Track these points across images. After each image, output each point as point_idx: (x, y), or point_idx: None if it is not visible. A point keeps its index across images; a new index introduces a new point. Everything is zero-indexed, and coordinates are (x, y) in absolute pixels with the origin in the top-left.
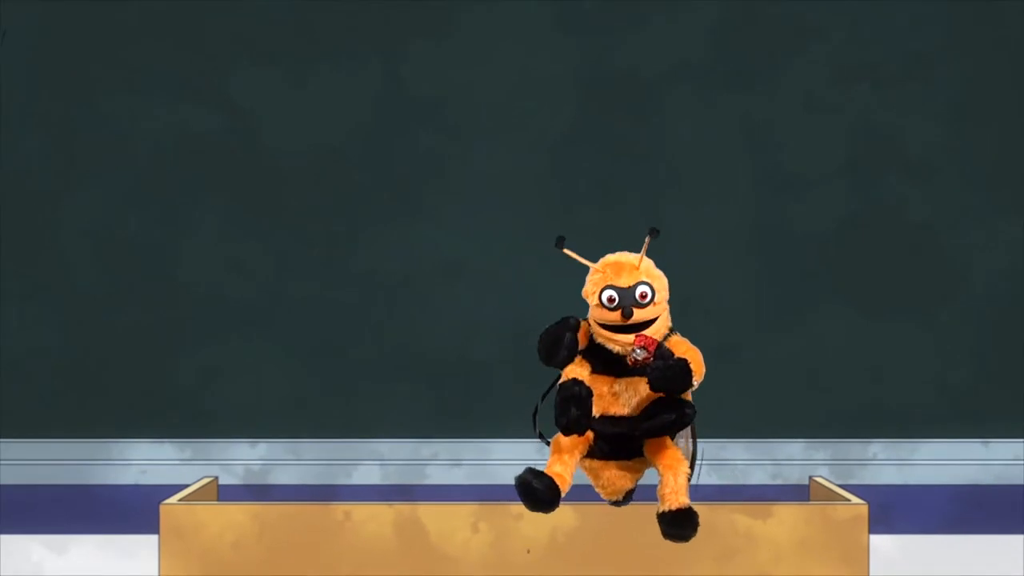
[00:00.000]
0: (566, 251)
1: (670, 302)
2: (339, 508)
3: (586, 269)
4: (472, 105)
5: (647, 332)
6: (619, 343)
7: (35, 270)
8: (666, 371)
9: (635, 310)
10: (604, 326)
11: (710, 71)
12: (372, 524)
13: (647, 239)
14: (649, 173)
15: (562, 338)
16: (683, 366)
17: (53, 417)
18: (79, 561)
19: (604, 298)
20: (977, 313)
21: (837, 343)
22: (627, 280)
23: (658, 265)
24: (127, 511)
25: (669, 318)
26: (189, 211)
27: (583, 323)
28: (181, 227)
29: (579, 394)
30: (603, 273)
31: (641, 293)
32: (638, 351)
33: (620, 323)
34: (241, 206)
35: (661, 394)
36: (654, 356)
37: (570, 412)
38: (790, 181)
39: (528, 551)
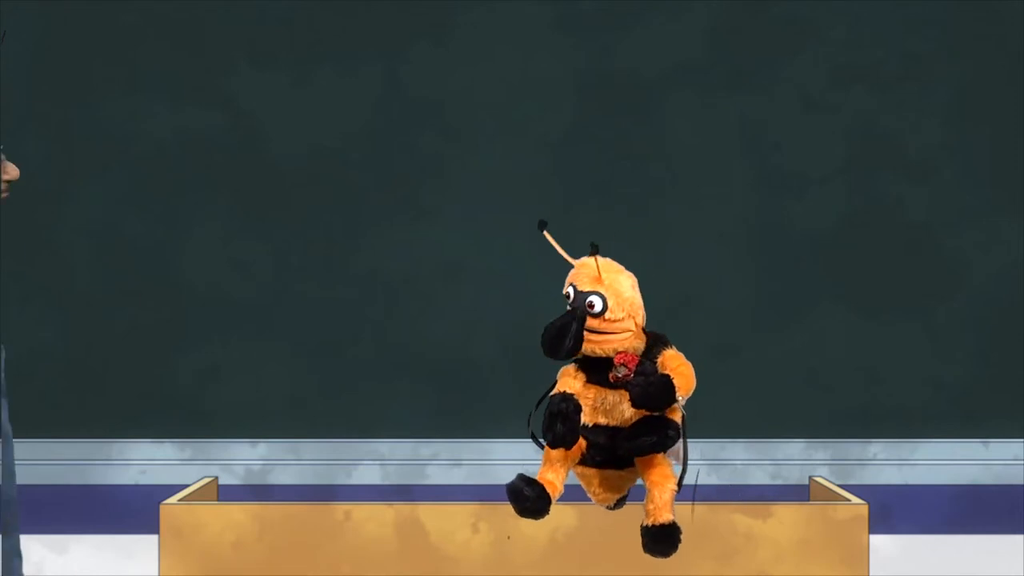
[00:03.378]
0: (546, 234)
1: (667, 303)
2: (339, 508)
3: None
4: (472, 106)
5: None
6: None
7: (35, 270)
8: (647, 388)
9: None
10: None
11: (709, 72)
12: (372, 524)
13: (595, 258)
14: (649, 173)
15: (568, 326)
16: (665, 382)
17: (53, 417)
18: (79, 561)
19: (565, 291)
20: (976, 313)
21: (836, 343)
22: (585, 285)
23: (657, 265)
24: (127, 511)
25: (641, 339)
26: (189, 211)
27: None
28: (181, 227)
29: (566, 410)
30: (575, 270)
31: (589, 302)
32: (619, 368)
33: None
34: (241, 206)
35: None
36: (635, 373)
37: (556, 428)
38: (789, 181)
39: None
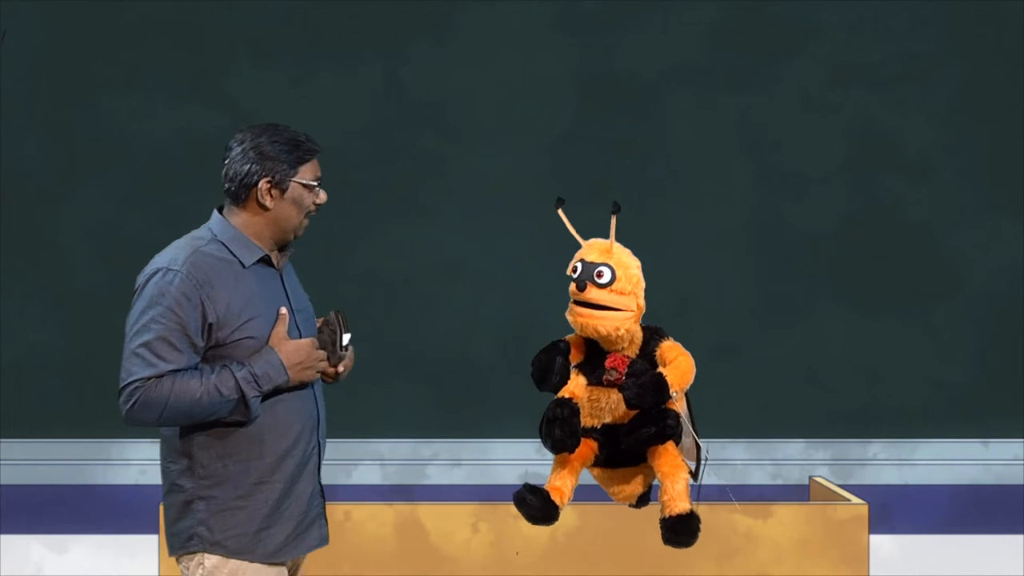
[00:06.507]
0: (560, 213)
1: (667, 303)
2: (339, 508)
3: None
4: (472, 106)
5: (620, 355)
6: (573, 313)
7: (35, 270)
8: (639, 388)
9: (590, 285)
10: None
11: (709, 71)
12: (372, 524)
13: (612, 219)
14: (649, 173)
15: (553, 363)
16: (657, 381)
17: (53, 417)
18: (79, 561)
19: (570, 268)
20: (976, 312)
21: (836, 343)
22: (594, 257)
23: (657, 265)
24: (127, 511)
25: (639, 331)
26: (189, 211)
27: (573, 341)
28: (181, 227)
29: (562, 415)
30: (584, 248)
31: (598, 271)
32: (610, 372)
33: (576, 295)
34: None
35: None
36: (626, 375)
37: (554, 433)
38: (789, 181)
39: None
